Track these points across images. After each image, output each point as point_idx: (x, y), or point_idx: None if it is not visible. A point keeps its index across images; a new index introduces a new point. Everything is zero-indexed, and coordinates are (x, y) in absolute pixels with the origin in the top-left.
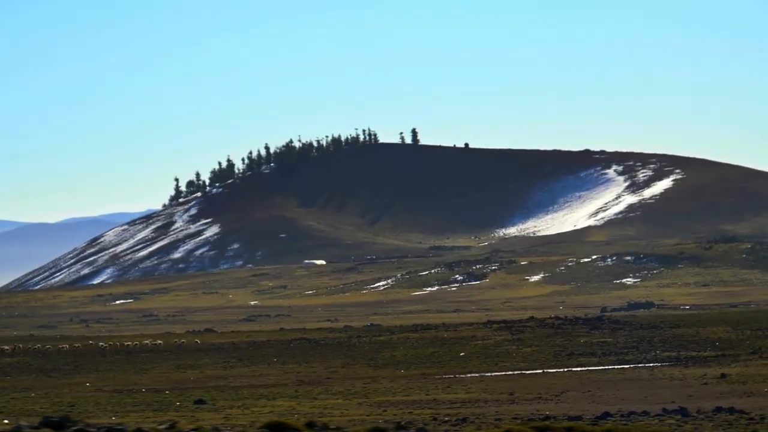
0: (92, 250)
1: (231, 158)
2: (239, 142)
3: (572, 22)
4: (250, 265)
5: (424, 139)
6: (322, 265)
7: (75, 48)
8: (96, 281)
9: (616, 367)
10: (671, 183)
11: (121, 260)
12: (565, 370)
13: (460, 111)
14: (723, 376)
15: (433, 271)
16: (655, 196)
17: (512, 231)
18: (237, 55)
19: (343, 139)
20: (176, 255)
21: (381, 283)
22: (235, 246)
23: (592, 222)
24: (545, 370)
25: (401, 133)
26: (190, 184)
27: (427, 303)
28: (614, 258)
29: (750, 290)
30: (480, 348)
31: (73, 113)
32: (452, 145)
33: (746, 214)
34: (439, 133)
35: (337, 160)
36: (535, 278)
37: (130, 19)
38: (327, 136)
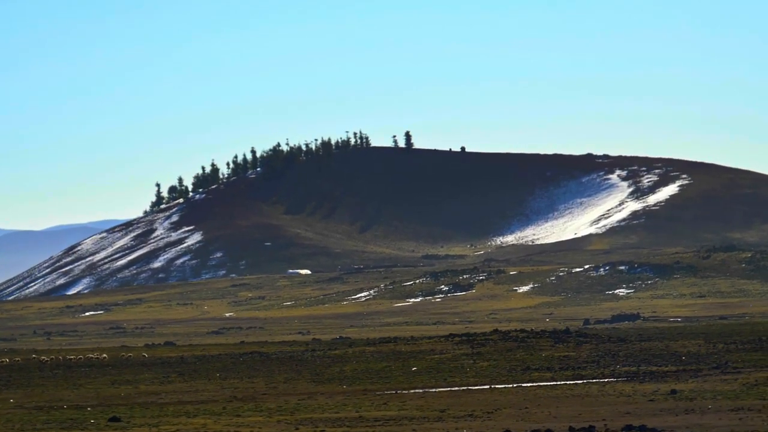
0: (68, 258)
1: (215, 163)
2: (224, 146)
3: (574, 21)
4: (233, 275)
5: (419, 143)
6: (306, 275)
7: (65, 49)
8: (72, 291)
9: (568, 382)
10: (677, 189)
11: (99, 270)
12: (514, 385)
13: (456, 113)
14: (673, 392)
15: (417, 281)
16: (660, 202)
17: (510, 239)
18: (223, 56)
19: (333, 142)
20: (156, 264)
21: (363, 294)
22: (218, 255)
23: (593, 230)
24: (492, 386)
25: (394, 136)
26: (172, 189)
27: (408, 315)
28: (607, 268)
29: (747, 302)
30: (435, 362)
31: (64, 116)
32: (448, 149)
33: (756, 221)
34: (434, 136)
35: (327, 165)
36: (523, 289)
37: (115, 23)
38: (316, 140)
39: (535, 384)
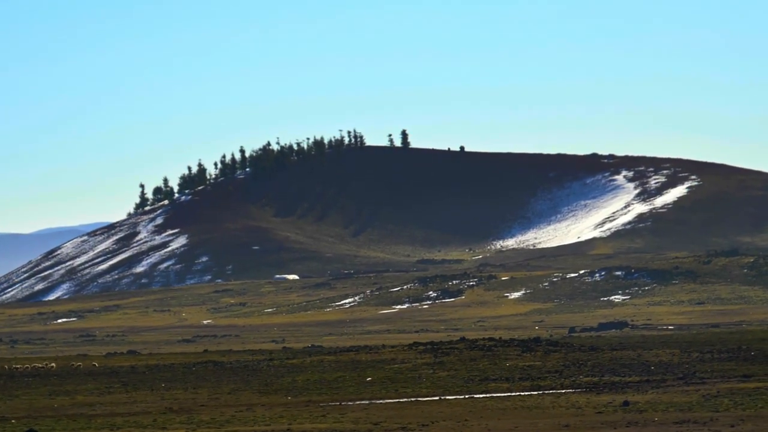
0: (48, 263)
1: (202, 162)
2: (212, 145)
3: (578, 16)
4: (219, 280)
5: (415, 142)
6: (293, 281)
7: (51, 50)
8: (51, 297)
9: (522, 393)
10: (686, 190)
11: (79, 275)
12: (466, 397)
13: (455, 111)
14: (625, 403)
15: (405, 287)
16: (668, 204)
17: (510, 243)
18: (211, 52)
19: (326, 141)
20: (139, 269)
21: (348, 301)
22: (204, 259)
23: (597, 233)
24: (443, 397)
25: (390, 135)
26: (157, 190)
27: (393, 322)
28: (603, 273)
29: (748, 309)
30: (392, 372)
31: (55, 117)
32: (446, 149)
33: (767, 224)
34: (432, 135)
35: (319, 165)
36: (515, 295)
37: (99, 22)
38: (308, 139)
39: (488, 395)
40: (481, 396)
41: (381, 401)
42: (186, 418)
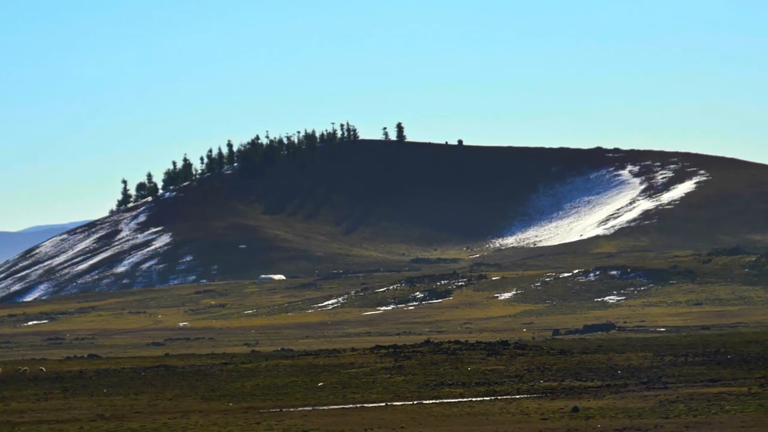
0: (25, 263)
1: (188, 157)
2: (197, 139)
3: (583, 6)
4: (204, 281)
5: (411, 135)
6: (278, 281)
7: (42, 46)
8: (28, 298)
9: (474, 399)
10: (694, 186)
11: (57, 275)
12: (414, 402)
13: (453, 103)
14: (575, 409)
15: (391, 287)
16: (675, 201)
17: (510, 241)
18: (197, 42)
19: (317, 135)
20: (120, 269)
21: (331, 302)
22: (188, 258)
23: (600, 231)
24: (389, 403)
25: (385, 128)
26: (140, 186)
27: (376, 324)
28: (598, 273)
29: (747, 310)
30: (347, 377)
31: (47, 113)
32: (443, 142)
33: None
34: (429, 128)
35: (311, 160)
36: (505, 296)
37: (81, 16)
38: (299, 132)
39: (436, 401)
40: (430, 402)
41: (325, 407)
42: (114, 426)
